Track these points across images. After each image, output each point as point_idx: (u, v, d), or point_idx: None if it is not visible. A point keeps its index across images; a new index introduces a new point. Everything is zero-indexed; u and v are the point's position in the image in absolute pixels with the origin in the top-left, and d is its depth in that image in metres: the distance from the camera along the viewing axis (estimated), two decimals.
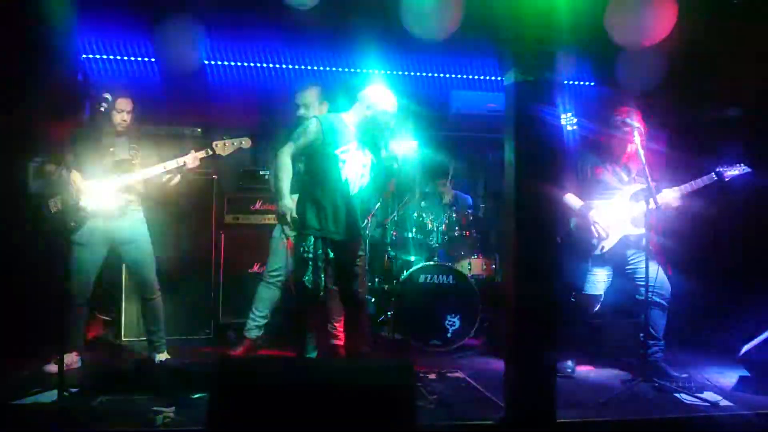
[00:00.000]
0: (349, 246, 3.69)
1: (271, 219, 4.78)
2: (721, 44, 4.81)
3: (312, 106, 4.15)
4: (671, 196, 3.92)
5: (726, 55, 4.89)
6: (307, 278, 3.53)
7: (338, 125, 3.66)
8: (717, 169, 3.97)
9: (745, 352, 3.92)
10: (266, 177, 4.97)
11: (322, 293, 3.59)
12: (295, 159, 3.64)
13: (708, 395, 3.59)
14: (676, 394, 3.60)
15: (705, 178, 3.97)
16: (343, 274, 3.73)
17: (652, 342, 3.97)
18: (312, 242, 3.55)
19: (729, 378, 4.00)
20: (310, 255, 3.54)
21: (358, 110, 3.70)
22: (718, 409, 3.43)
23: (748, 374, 3.93)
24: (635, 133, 3.83)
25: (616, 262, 4.09)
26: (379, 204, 5.08)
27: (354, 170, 3.64)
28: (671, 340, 4.23)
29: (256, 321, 4.33)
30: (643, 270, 3.93)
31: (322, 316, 3.93)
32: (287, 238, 4.25)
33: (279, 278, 4.33)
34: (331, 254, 3.60)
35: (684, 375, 3.88)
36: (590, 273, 4.09)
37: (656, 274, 3.90)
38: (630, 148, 4.02)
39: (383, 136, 3.69)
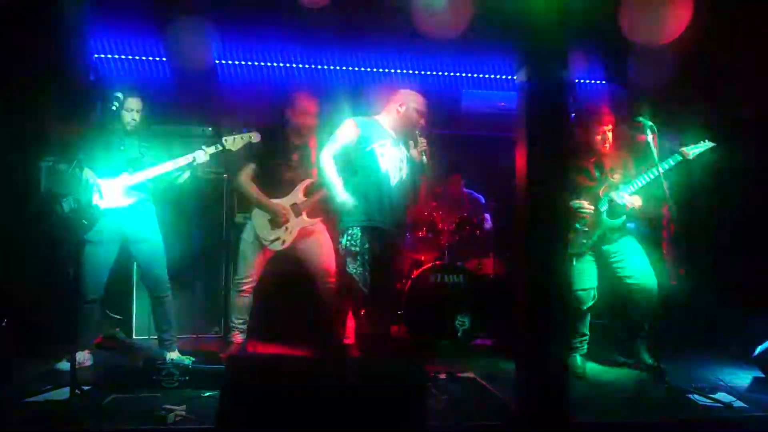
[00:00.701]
0: (393, 237, 3.75)
1: None
2: (734, 43, 4.77)
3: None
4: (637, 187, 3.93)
5: (739, 54, 4.84)
6: (355, 270, 3.55)
7: (373, 126, 3.77)
8: (680, 149, 3.96)
9: (759, 353, 3.89)
10: None
11: (367, 289, 3.63)
12: (335, 158, 3.77)
13: (721, 396, 3.55)
14: (689, 395, 3.56)
15: (670, 159, 3.95)
16: (384, 267, 3.76)
17: (632, 335, 4.15)
18: (359, 235, 3.57)
19: (743, 379, 3.96)
20: (357, 248, 3.57)
21: (391, 111, 3.83)
22: (731, 411, 3.38)
23: (763, 375, 3.89)
24: (648, 131, 3.82)
25: (598, 256, 4.10)
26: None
27: (392, 164, 3.73)
28: (684, 341, 4.22)
29: (239, 327, 4.24)
30: (625, 266, 4.03)
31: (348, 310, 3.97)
32: (265, 246, 4.15)
33: (250, 284, 4.21)
34: (376, 248, 3.66)
35: (662, 366, 3.80)
36: (576, 269, 4.08)
37: (639, 265, 3.97)
38: (607, 145, 4.05)
39: (415, 134, 3.79)
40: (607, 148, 4.06)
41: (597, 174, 4.07)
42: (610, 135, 4.03)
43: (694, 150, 3.96)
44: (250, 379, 2.21)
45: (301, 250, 4.23)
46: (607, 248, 4.08)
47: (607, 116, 4.07)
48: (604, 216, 4.00)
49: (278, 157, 4.19)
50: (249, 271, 4.20)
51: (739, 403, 3.47)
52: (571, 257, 4.04)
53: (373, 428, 2.13)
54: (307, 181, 4.20)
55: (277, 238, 4.17)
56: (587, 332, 4.15)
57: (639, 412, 3.39)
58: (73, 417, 3.06)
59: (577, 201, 4.01)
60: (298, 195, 4.19)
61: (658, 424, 3.27)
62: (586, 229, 4.01)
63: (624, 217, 3.99)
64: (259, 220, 4.18)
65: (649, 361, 4.07)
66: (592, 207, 4.01)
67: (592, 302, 4.08)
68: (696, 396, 3.55)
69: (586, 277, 4.06)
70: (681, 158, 3.95)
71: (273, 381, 2.21)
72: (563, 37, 2.95)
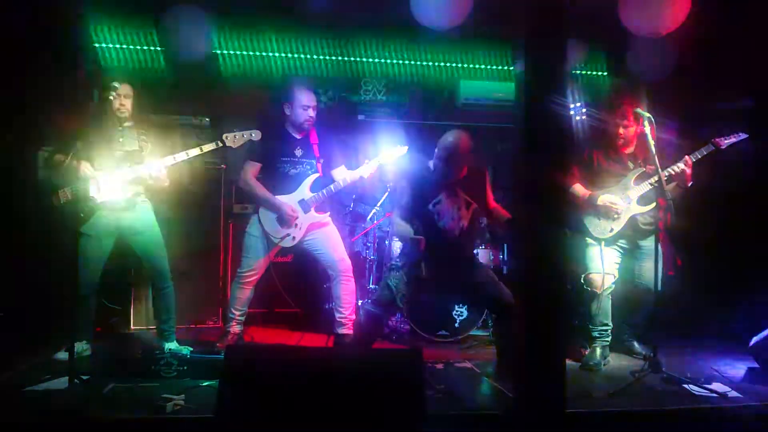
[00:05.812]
0: (450, 271, 3.72)
1: None
2: (734, 34, 4.76)
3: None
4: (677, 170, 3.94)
5: (738, 45, 4.83)
6: (393, 282, 3.61)
7: (425, 174, 3.74)
8: (713, 139, 3.97)
9: (755, 343, 3.90)
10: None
11: (399, 303, 3.66)
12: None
13: (717, 386, 3.57)
14: (685, 385, 3.58)
15: (702, 149, 3.98)
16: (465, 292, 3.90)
17: (624, 326, 4.29)
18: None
19: (738, 369, 3.99)
20: (401, 263, 3.66)
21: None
22: (726, 401, 3.42)
23: (758, 365, 3.91)
24: (645, 123, 3.81)
25: (625, 244, 4.14)
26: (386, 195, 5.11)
27: (449, 217, 3.68)
28: (679, 331, 4.22)
29: (237, 319, 4.25)
30: (642, 265, 4.08)
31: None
32: (273, 242, 4.15)
33: (254, 278, 4.22)
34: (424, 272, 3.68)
35: (650, 354, 3.79)
36: (592, 253, 4.11)
37: (652, 270, 3.92)
38: (637, 136, 4.05)
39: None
40: (642, 141, 3.97)
41: (632, 166, 4.10)
42: (649, 129, 3.96)
43: (728, 141, 3.97)
44: (248, 368, 2.22)
45: (311, 243, 4.24)
46: (641, 242, 4.11)
47: (632, 107, 4.03)
48: (635, 203, 4.03)
49: (281, 154, 4.17)
50: (254, 264, 4.19)
51: (734, 393, 3.50)
52: (598, 242, 4.09)
53: (370, 417, 2.15)
54: (313, 177, 4.19)
55: (287, 235, 4.16)
56: (609, 323, 4.14)
57: (634, 402, 3.40)
58: (72, 406, 3.07)
59: (609, 195, 4.04)
60: (305, 191, 4.17)
61: (653, 413, 3.29)
62: (616, 216, 4.03)
63: (654, 203, 3.94)
64: (267, 217, 4.16)
65: (642, 351, 4.14)
66: (623, 203, 4.03)
67: (609, 288, 4.09)
68: (691, 386, 3.57)
69: (602, 261, 4.07)
70: (714, 148, 3.96)
71: (271, 370, 2.22)
72: (562, 28, 2.94)
